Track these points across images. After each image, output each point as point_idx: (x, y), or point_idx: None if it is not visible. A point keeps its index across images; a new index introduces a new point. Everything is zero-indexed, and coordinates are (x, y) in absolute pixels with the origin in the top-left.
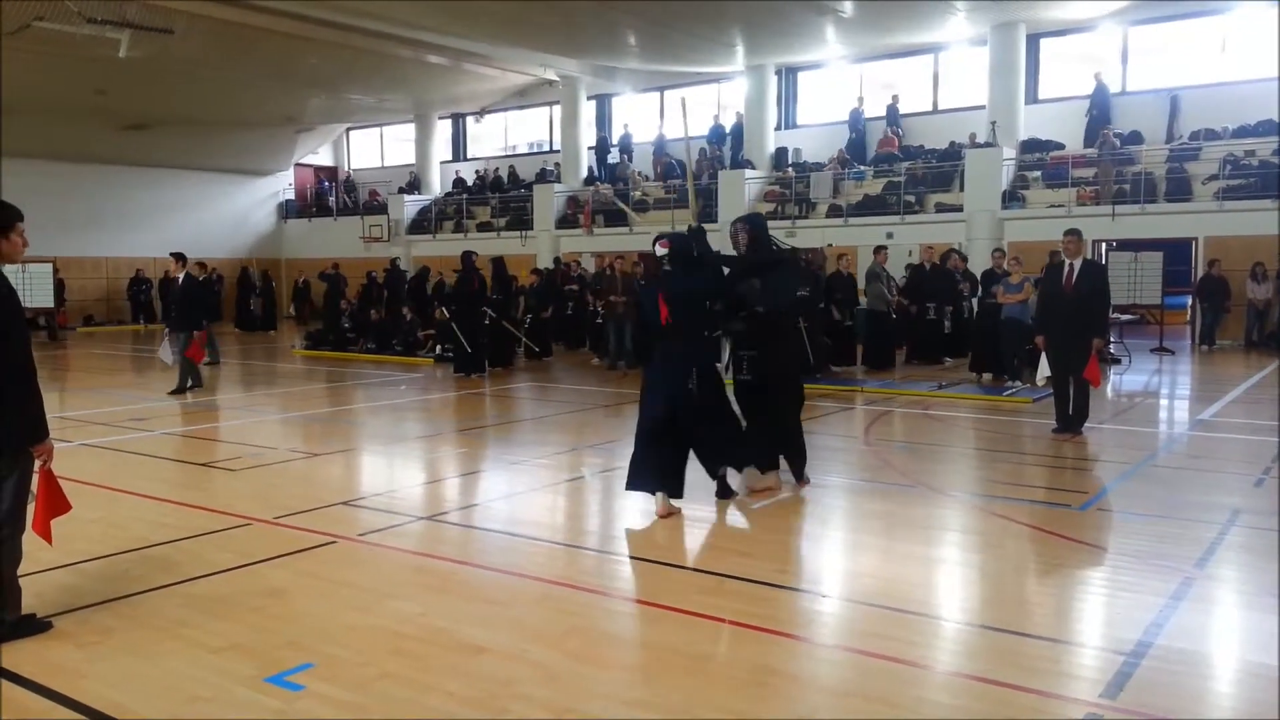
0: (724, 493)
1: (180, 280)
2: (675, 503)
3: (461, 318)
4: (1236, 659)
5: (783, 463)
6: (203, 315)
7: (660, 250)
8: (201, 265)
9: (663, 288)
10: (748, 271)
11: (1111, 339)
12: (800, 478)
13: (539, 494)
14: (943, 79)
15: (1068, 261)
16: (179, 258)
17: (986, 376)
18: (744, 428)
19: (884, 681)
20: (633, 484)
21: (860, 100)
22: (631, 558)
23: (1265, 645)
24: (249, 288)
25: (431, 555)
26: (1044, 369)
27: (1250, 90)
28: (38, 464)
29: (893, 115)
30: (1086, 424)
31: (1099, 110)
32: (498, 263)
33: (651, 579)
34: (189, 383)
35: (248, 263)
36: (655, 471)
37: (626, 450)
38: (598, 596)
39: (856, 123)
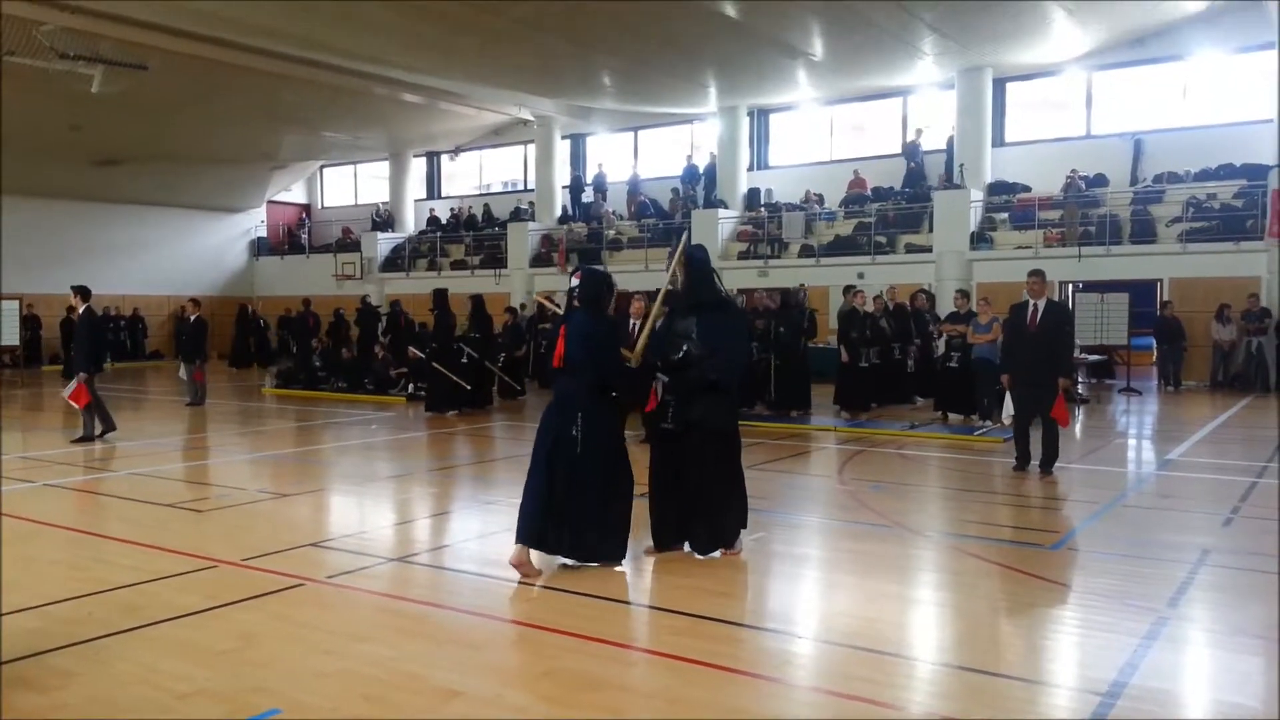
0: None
1: (79, 317)
2: (536, 560)
3: (441, 355)
4: (1210, 699)
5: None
6: (101, 355)
7: (573, 281)
8: (195, 303)
9: (567, 323)
10: (693, 311)
11: (1079, 379)
12: (716, 544)
13: (511, 535)
14: (911, 121)
15: (1031, 302)
16: (80, 292)
17: (955, 417)
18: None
19: None
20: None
21: (919, 132)
22: (607, 599)
23: (1239, 684)
24: (247, 325)
25: (403, 598)
26: (1009, 408)
27: (1212, 135)
28: None
29: (914, 150)
30: (1056, 464)
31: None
32: (477, 301)
33: (627, 621)
34: (96, 429)
35: (248, 300)
36: (521, 516)
37: None
38: (573, 639)
39: (914, 155)
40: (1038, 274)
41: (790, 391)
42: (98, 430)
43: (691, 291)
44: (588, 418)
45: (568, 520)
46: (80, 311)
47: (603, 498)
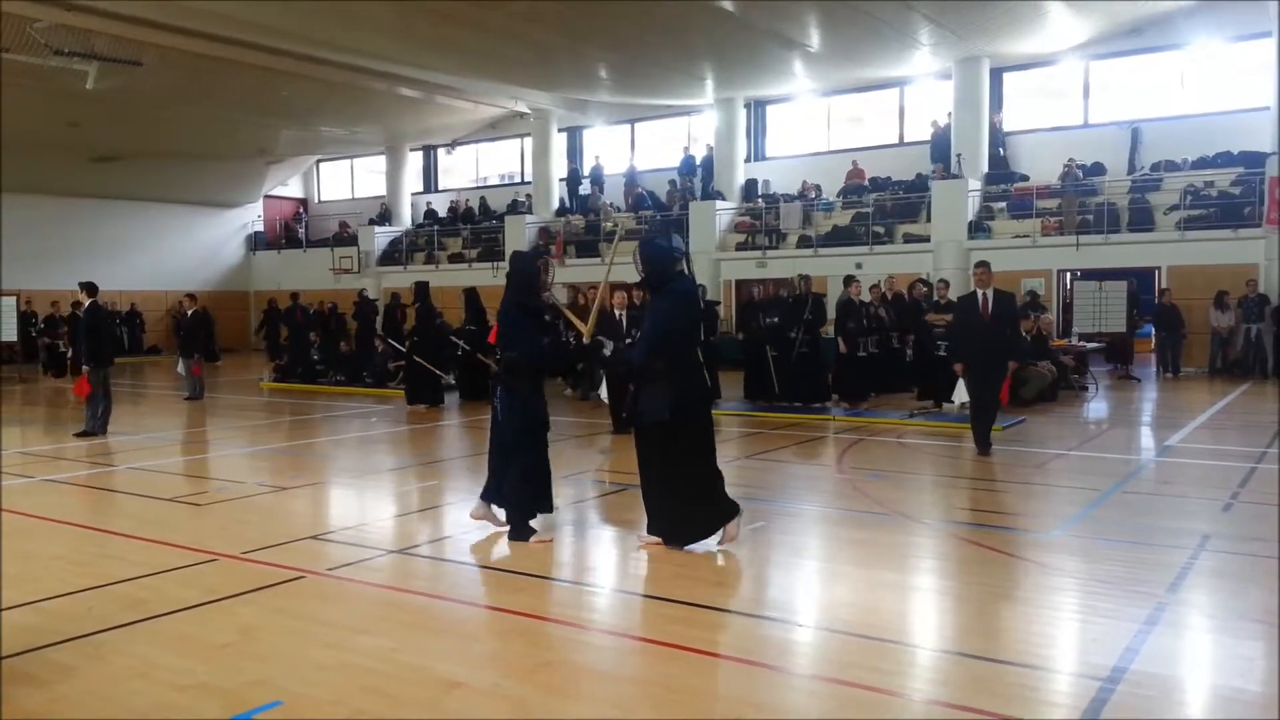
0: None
1: (84, 312)
2: (498, 514)
3: (423, 348)
4: (1211, 683)
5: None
6: (105, 350)
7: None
8: (192, 298)
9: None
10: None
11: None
12: (667, 540)
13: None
14: (908, 111)
15: (980, 292)
16: (86, 287)
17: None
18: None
19: (861, 711)
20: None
21: (999, 119)
22: (606, 589)
23: (1240, 669)
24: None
25: (403, 589)
26: (961, 393)
27: (1209, 122)
28: None
29: (996, 135)
30: (1059, 455)
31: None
32: (470, 293)
33: (625, 611)
34: (91, 425)
35: (275, 295)
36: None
37: (599, 482)
38: (571, 629)
39: (996, 139)
40: (983, 265)
41: (798, 384)
42: (86, 426)
43: (643, 280)
44: (504, 390)
45: (495, 474)
46: (85, 306)
47: (514, 458)
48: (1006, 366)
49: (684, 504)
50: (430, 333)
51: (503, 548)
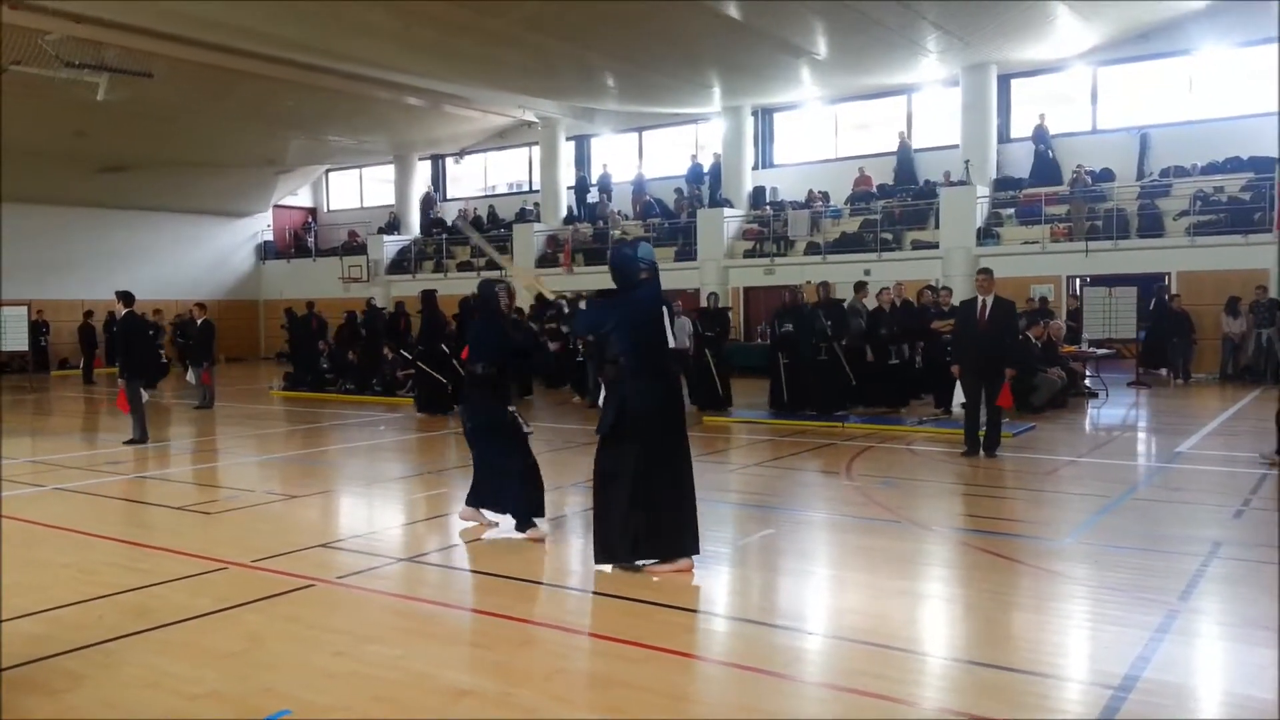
0: (519, 526)
1: (119, 322)
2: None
3: (428, 357)
4: (1224, 691)
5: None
6: (142, 360)
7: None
8: (201, 306)
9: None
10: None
11: (1088, 373)
12: (615, 559)
13: (520, 534)
14: (916, 119)
15: (980, 298)
16: (123, 297)
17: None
18: (489, 470)
19: (871, 719)
20: None
21: (1041, 117)
22: (615, 597)
23: (1252, 677)
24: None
25: (412, 598)
26: (958, 397)
27: (1218, 128)
28: None
29: (1041, 135)
30: (1070, 461)
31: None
32: (463, 302)
33: (635, 619)
34: (137, 433)
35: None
36: None
37: None
38: (582, 637)
39: (1042, 139)
40: (985, 272)
41: (815, 393)
42: (131, 436)
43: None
44: (466, 401)
45: (480, 477)
46: (121, 316)
47: (483, 460)
48: (1003, 373)
49: (621, 518)
50: (437, 341)
51: (512, 556)
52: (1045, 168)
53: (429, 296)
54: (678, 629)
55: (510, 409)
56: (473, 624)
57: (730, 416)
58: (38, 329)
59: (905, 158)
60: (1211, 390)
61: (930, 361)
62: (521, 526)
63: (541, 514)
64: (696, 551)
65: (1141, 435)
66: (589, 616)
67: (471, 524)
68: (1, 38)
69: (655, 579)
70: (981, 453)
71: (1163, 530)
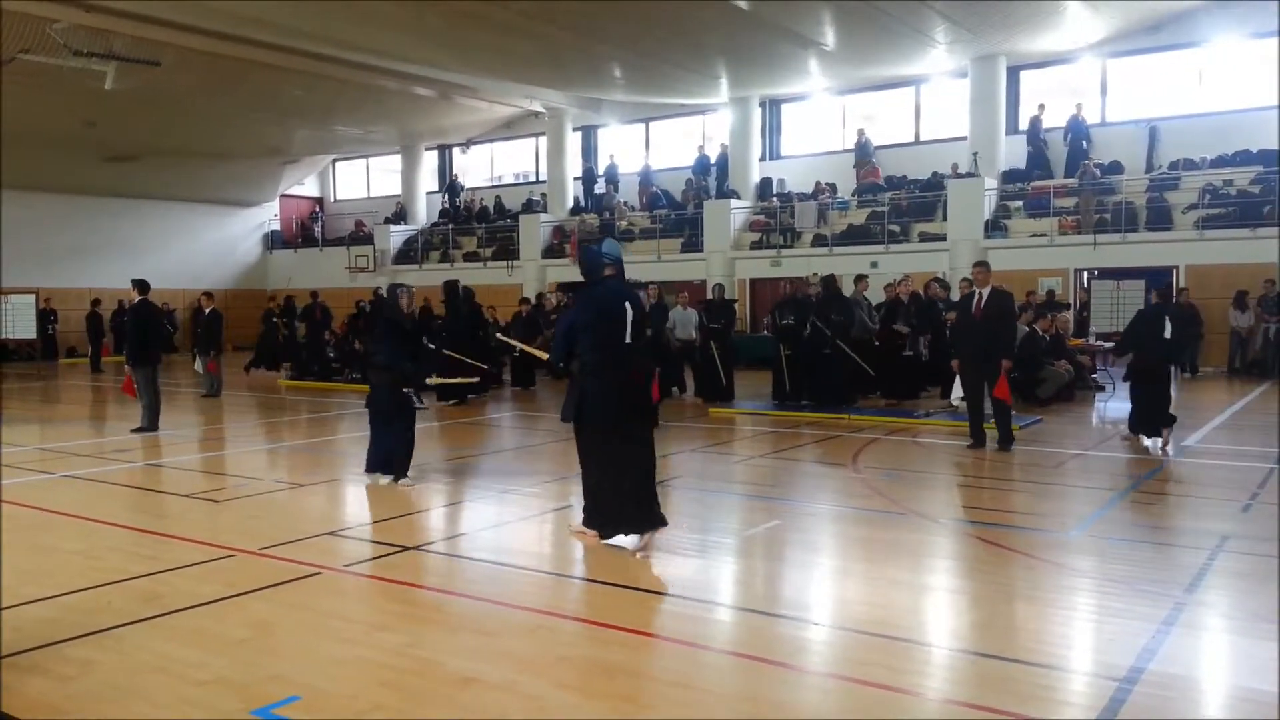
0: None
1: (130, 309)
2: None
3: (454, 347)
4: (1229, 684)
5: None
6: (147, 347)
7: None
8: (209, 296)
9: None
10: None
11: (1097, 367)
12: (604, 532)
13: (527, 523)
14: (924, 110)
15: (977, 290)
16: (138, 285)
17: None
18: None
19: (879, 710)
20: None
21: (1041, 108)
22: (620, 586)
23: (1258, 670)
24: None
25: (419, 586)
26: (957, 390)
27: (1227, 120)
28: None
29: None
30: (1076, 454)
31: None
32: (449, 287)
33: (641, 608)
34: (145, 421)
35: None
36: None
37: None
38: (587, 626)
39: (1036, 134)
40: (982, 264)
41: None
42: (140, 424)
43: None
44: (371, 386)
45: (376, 444)
46: (133, 304)
47: (394, 428)
48: (999, 365)
49: (594, 496)
50: (460, 330)
51: (518, 545)
52: (1038, 163)
53: (451, 287)
54: (684, 618)
55: (405, 390)
56: (479, 612)
57: (735, 408)
58: (46, 317)
59: (865, 154)
60: (1219, 384)
61: (936, 353)
62: (396, 479)
63: (405, 473)
64: (639, 530)
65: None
66: (595, 605)
67: (497, 521)
68: (1, 27)
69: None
70: (996, 447)
71: (1169, 524)
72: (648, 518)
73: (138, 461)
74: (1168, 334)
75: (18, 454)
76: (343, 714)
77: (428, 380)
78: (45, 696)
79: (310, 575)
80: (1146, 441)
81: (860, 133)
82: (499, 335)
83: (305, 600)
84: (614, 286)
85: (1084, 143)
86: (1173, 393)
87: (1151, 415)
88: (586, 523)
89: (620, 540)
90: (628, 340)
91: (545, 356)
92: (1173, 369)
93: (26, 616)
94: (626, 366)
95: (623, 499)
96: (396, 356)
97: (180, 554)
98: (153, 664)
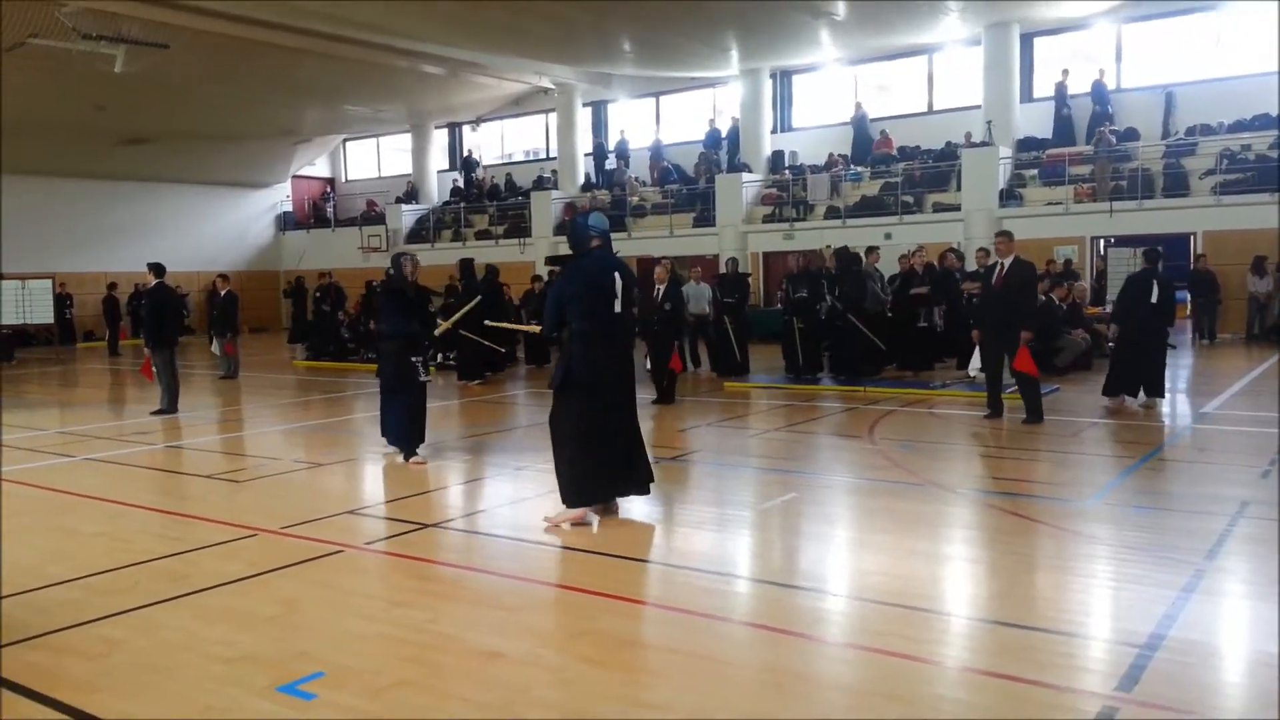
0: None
1: (147, 293)
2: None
3: (472, 324)
4: (1250, 650)
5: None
6: (162, 330)
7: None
8: (224, 278)
9: None
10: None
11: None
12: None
13: (544, 499)
14: (937, 79)
15: (999, 261)
16: (154, 268)
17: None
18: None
19: (899, 679)
20: None
21: (1065, 73)
22: (640, 560)
23: (1278, 636)
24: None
25: (439, 562)
26: (976, 361)
27: (1245, 85)
28: None
29: (1061, 93)
30: (1094, 423)
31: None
32: (465, 265)
33: (661, 581)
34: (164, 403)
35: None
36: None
37: None
38: (608, 600)
39: (1063, 99)
40: (1004, 234)
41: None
42: (160, 406)
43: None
44: (380, 354)
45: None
46: (149, 287)
47: (398, 400)
48: (1019, 335)
49: (567, 464)
50: (477, 308)
51: (536, 521)
52: (1063, 130)
53: (467, 265)
54: (702, 591)
55: (414, 359)
56: (500, 588)
57: (750, 382)
58: (62, 302)
59: (861, 129)
60: (1237, 350)
61: (951, 324)
62: (406, 456)
63: (416, 447)
64: (619, 495)
65: (1166, 396)
66: (614, 579)
67: (513, 497)
68: (1, 15)
69: (547, 523)
70: (1024, 420)
71: (1188, 490)
72: (633, 479)
73: (158, 443)
74: (1154, 299)
75: (39, 438)
76: (368, 688)
77: (462, 331)
78: (77, 675)
79: (332, 553)
80: (1130, 402)
81: (858, 106)
82: (488, 321)
83: (327, 578)
84: (601, 257)
85: (1106, 109)
86: (1167, 360)
87: (1129, 375)
88: (565, 501)
89: (591, 517)
90: (617, 310)
91: (538, 330)
92: (1167, 335)
93: (55, 598)
94: (616, 335)
95: (598, 470)
96: (401, 323)
97: (204, 534)
98: (181, 642)
